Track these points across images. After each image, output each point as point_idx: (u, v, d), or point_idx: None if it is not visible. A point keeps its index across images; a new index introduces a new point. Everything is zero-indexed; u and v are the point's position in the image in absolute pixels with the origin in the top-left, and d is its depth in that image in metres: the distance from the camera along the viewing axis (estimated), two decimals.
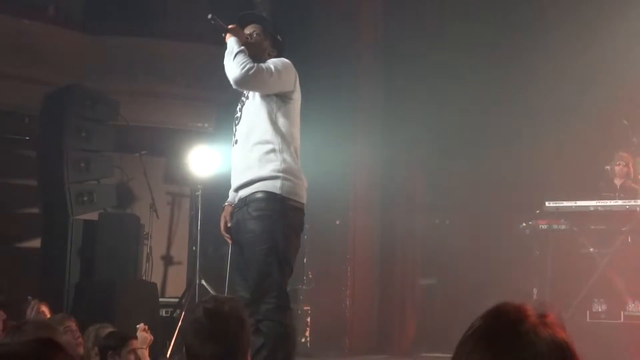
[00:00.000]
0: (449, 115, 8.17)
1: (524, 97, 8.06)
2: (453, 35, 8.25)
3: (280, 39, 4.46)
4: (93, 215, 7.82)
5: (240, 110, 4.31)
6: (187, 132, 9.21)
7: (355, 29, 8.57)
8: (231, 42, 4.20)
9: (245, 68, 4.06)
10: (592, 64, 7.76)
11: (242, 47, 4.16)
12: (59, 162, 7.68)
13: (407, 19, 8.50)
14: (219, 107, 8.97)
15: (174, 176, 9.26)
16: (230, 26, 4.28)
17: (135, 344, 4.08)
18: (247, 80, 4.09)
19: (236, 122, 4.31)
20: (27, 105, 8.32)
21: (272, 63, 4.18)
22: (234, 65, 4.09)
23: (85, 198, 7.70)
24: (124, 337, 4.10)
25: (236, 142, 4.25)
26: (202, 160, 8.15)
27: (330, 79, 7.82)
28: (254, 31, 4.38)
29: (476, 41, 8.10)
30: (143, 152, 8.64)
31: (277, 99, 4.18)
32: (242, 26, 4.40)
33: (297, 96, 4.27)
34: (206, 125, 9.35)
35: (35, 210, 8.54)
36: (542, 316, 1.36)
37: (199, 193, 8.07)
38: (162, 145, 9.24)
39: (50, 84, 8.27)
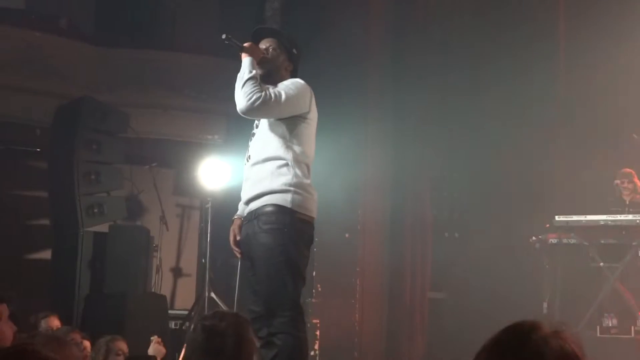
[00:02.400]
0: (458, 129, 8.17)
1: (534, 112, 8.04)
2: (464, 49, 8.24)
3: (296, 52, 4.44)
4: (103, 227, 7.84)
5: (257, 126, 4.30)
6: (197, 144, 9.24)
7: (365, 43, 8.58)
8: (244, 65, 4.16)
9: (252, 99, 4.02)
10: (603, 78, 7.76)
11: (253, 73, 4.11)
12: (70, 174, 7.71)
13: (417, 32, 8.51)
14: (228, 119, 9.00)
15: (184, 188, 9.29)
16: (245, 44, 4.25)
17: None
18: (252, 111, 4.07)
19: (251, 138, 4.32)
20: (38, 117, 8.38)
21: (283, 88, 4.14)
22: (241, 94, 4.06)
23: (96, 210, 7.72)
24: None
25: (249, 157, 4.25)
26: (212, 173, 8.17)
27: (340, 93, 7.83)
28: (269, 45, 4.34)
29: (488, 56, 8.10)
30: (153, 164, 8.67)
31: (291, 119, 4.18)
32: (257, 40, 4.39)
33: (313, 116, 4.26)
34: (216, 137, 9.38)
35: (45, 221, 8.57)
36: (556, 330, 1.36)
37: (208, 205, 8.09)
38: (172, 158, 9.28)
39: (62, 96, 8.32)
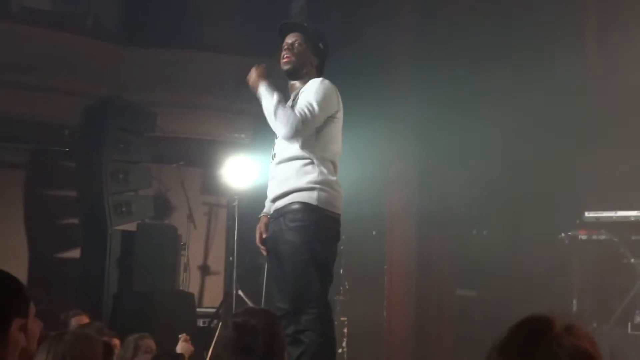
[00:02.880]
0: (485, 124, 8.10)
1: (563, 105, 7.96)
2: (491, 44, 8.18)
3: (322, 47, 4.41)
4: (131, 226, 7.89)
5: None
6: (224, 143, 9.26)
7: (390, 37, 8.56)
8: (263, 93, 4.11)
9: (291, 124, 4.01)
10: (635, 67, 7.66)
11: (276, 97, 4.08)
12: (98, 173, 7.77)
13: (443, 27, 8.46)
14: (255, 118, 8.99)
15: (211, 187, 9.31)
16: (253, 71, 4.22)
17: None
18: (297, 134, 4.06)
19: (276, 135, 4.30)
20: (67, 117, 8.43)
21: (313, 97, 4.09)
22: (278, 124, 4.05)
23: (124, 209, 7.77)
24: (177, 358, 4.09)
25: (274, 156, 4.25)
26: (239, 171, 8.18)
27: (364, 87, 7.80)
28: (295, 40, 4.30)
29: (514, 49, 8.03)
30: (180, 162, 8.70)
31: None
32: (284, 35, 4.37)
33: (340, 114, 4.25)
34: (243, 136, 9.40)
35: (74, 220, 8.64)
36: (569, 327, 1.34)
37: (235, 204, 8.10)
38: (200, 156, 9.30)
39: (90, 96, 8.37)
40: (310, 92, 4.14)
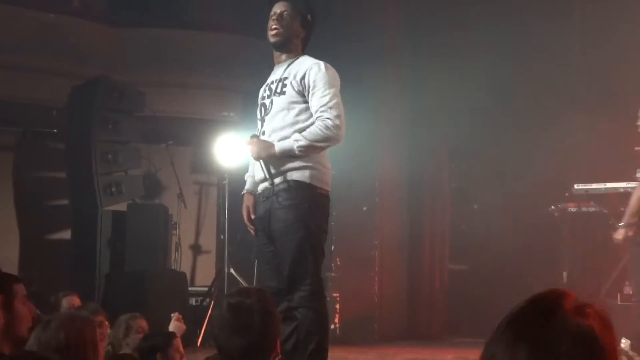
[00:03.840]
0: (475, 99, 8.11)
1: (552, 80, 7.98)
2: (479, 22, 8.17)
3: (310, 19, 4.35)
4: (122, 206, 7.88)
5: (270, 99, 4.24)
6: (214, 121, 9.23)
7: (382, 15, 8.54)
8: (286, 151, 4.02)
9: (334, 133, 3.99)
10: (623, 45, 7.67)
11: (296, 136, 4.01)
12: (87, 154, 7.75)
13: (435, 9, 8.43)
14: (244, 96, 8.97)
15: (201, 166, 9.30)
16: (253, 153, 4.14)
17: (178, 342, 4.09)
18: (340, 131, 4.02)
19: (262, 110, 4.25)
20: (54, 98, 8.39)
21: (328, 89, 4.04)
22: (329, 143, 4.03)
23: (114, 189, 7.77)
24: (169, 336, 4.09)
25: (263, 133, 4.21)
26: (229, 150, 8.16)
27: (357, 67, 7.78)
28: (284, 10, 4.23)
29: (504, 27, 8.02)
30: (170, 142, 8.68)
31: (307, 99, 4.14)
32: (271, 4, 4.33)
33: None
34: (232, 114, 9.37)
35: (64, 202, 8.63)
36: (581, 306, 1.33)
37: (225, 182, 8.09)
38: (189, 135, 9.28)
39: (77, 76, 8.33)
40: (323, 84, 4.07)
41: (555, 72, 8.02)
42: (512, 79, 7.98)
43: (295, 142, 4.00)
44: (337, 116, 4.01)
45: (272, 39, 4.23)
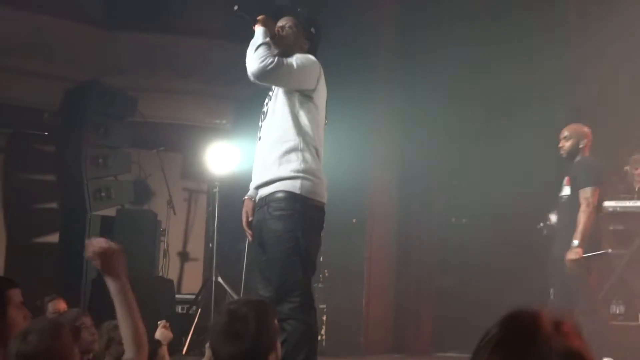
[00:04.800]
0: (466, 114, 8.13)
1: (542, 98, 8.00)
2: (474, 35, 8.19)
3: (314, 32, 4.41)
4: (111, 211, 7.85)
5: (267, 105, 4.29)
6: (205, 128, 9.23)
7: (375, 24, 8.54)
8: (258, 32, 4.15)
9: (264, 62, 4.03)
10: (611, 64, 7.72)
11: (267, 40, 4.12)
12: (78, 158, 7.73)
13: (428, 16, 8.46)
14: (236, 103, 8.98)
15: (191, 172, 9.29)
16: (259, 17, 4.24)
17: (164, 350, 4.05)
18: (264, 75, 4.08)
19: (262, 117, 4.30)
20: (46, 101, 8.37)
21: (294, 59, 4.14)
22: (254, 58, 4.07)
23: (103, 194, 7.74)
24: (155, 344, 4.04)
25: (260, 138, 4.25)
26: (220, 157, 8.16)
27: (349, 76, 7.79)
28: (286, 24, 4.32)
29: (496, 42, 8.05)
30: (161, 148, 8.67)
31: (300, 97, 4.16)
32: (275, 19, 4.36)
33: (320, 96, 4.24)
34: (224, 121, 9.36)
35: (53, 205, 8.59)
36: (558, 324, 1.33)
37: (216, 190, 8.08)
38: (180, 142, 9.27)
39: (69, 80, 8.31)
40: (295, 56, 4.18)
41: (546, 90, 8.04)
42: (504, 96, 7.99)
43: (258, 33, 4.11)
44: (277, 68, 4.04)
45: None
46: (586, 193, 5.89)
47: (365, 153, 8.24)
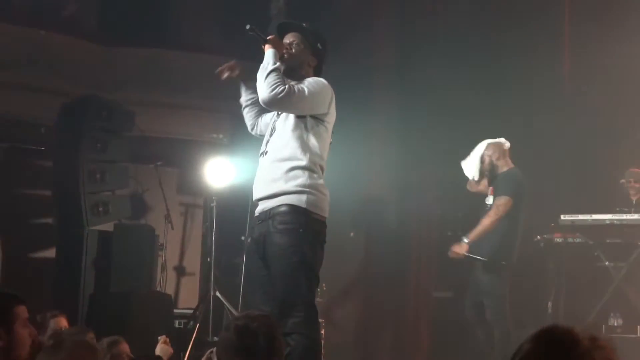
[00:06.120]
0: (463, 128, 8.14)
1: (539, 111, 8.03)
2: (471, 48, 8.23)
3: (321, 47, 4.42)
4: (108, 226, 7.84)
5: (275, 121, 4.29)
6: (202, 143, 9.23)
7: (372, 38, 8.58)
8: (267, 56, 4.15)
9: (275, 91, 4.03)
10: (605, 79, 7.76)
11: (277, 65, 4.11)
12: (75, 172, 7.71)
13: (423, 30, 8.49)
14: (233, 118, 8.96)
15: (188, 187, 9.28)
16: (269, 37, 4.24)
17: None
18: (276, 103, 4.09)
19: (270, 132, 4.31)
20: (43, 115, 8.36)
21: (306, 84, 4.15)
22: (264, 85, 4.07)
23: (101, 209, 7.72)
24: None
25: (266, 153, 4.25)
26: (217, 172, 8.16)
27: (346, 90, 7.80)
28: (293, 41, 4.34)
29: (494, 54, 8.10)
30: (158, 162, 8.66)
31: (310, 119, 4.18)
32: (281, 35, 4.37)
33: (331, 119, 4.26)
34: (221, 136, 9.37)
35: (49, 220, 8.57)
36: (594, 339, 1.34)
37: (213, 204, 8.08)
38: (177, 156, 9.26)
39: (67, 94, 8.31)
40: (307, 81, 4.19)
41: (543, 104, 8.07)
42: (501, 109, 8.01)
43: (268, 58, 4.13)
44: (289, 96, 4.04)
45: (281, 65, 4.31)
46: (499, 201, 6.39)
47: (363, 167, 8.25)
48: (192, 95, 9.08)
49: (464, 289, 8.29)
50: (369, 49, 8.57)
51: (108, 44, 8.89)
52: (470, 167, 6.82)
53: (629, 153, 7.73)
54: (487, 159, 6.68)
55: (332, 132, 4.34)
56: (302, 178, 4.09)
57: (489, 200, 6.60)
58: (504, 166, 6.67)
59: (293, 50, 4.29)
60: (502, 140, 6.79)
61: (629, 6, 7.78)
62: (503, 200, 6.42)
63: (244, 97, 4.54)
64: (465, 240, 6.39)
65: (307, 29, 4.41)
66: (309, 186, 4.07)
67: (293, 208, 4.04)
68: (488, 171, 6.66)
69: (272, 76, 4.07)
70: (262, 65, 4.15)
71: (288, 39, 4.33)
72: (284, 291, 4.02)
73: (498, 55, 8.08)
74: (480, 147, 6.80)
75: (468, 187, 7.02)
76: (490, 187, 6.63)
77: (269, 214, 4.10)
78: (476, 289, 6.70)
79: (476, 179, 6.83)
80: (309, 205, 4.05)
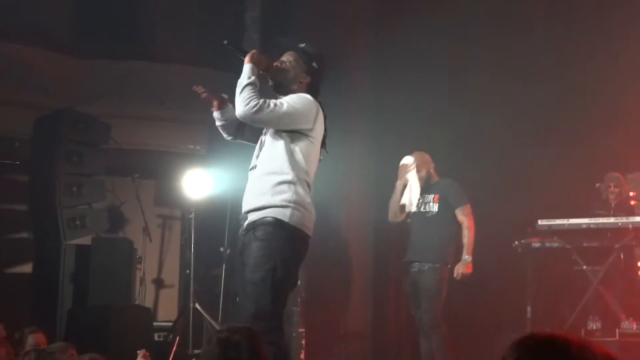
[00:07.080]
0: (441, 133, 8.18)
1: (516, 117, 8.08)
2: (449, 52, 8.27)
3: (317, 66, 4.43)
4: (86, 240, 7.78)
5: (265, 135, 4.32)
6: (179, 154, 9.20)
7: (348, 48, 8.58)
8: (244, 71, 4.17)
9: (249, 105, 4.05)
10: (585, 83, 7.83)
11: (252, 79, 4.13)
12: (51, 186, 7.66)
13: (401, 34, 8.51)
14: (210, 129, 8.94)
15: (165, 199, 9.25)
16: (252, 52, 4.25)
17: None
18: (250, 117, 4.10)
19: (259, 146, 4.33)
20: (18, 129, 8.31)
21: (287, 99, 4.16)
22: (239, 100, 4.09)
23: (78, 222, 7.68)
24: None
25: (255, 167, 4.27)
26: (194, 183, 8.14)
27: (321, 96, 7.83)
28: (288, 58, 4.38)
29: (473, 58, 8.14)
30: (135, 175, 8.62)
31: (297, 134, 4.19)
32: (280, 53, 4.41)
33: (316, 134, 4.27)
34: (198, 147, 9.35)
35: (25, 235, 8.50)
36: (585, 340, 1.35)
37: (192, 216, 8.05)
38: (154, 168, 9.23)
39: (42, 108, 8.26)
40: (289, 97, 4.21)
41: (520, 109, 8.12)
42: (478, 115, 8.06)
43: (245, 73, 4.13)
44: (263, 110, 4.05)
45: (270, 80, 4.32)
46: (465, 210, 6.66)
47: (341, 177, 8.25)
48: (168, 106, 9.06)
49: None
50: (344, 55, 8.57)
51: (83, 57, 8.85)
52: (409, 194, 6.90)
53: (604, 157, 7.79)
54: (424, 170, 6.84)
55: (326, 149, 4.38)
56: (288, 193, 4.11)
57: (434, 207, 6.71)
58: (435, 175, 6.83)
59: (283, 65, 4.31)
60: (417, 152, 6.91)
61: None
62: (469, 208, 6.69)
63: (216, 115, 4.53)
64: (468, 257, 6.54)
65: (303, 48, 4.43)
66: (294, 202, 4.10)
67: (277, 221, 4.07)
68: (425, 180, 6.81)
69: (247, 90, 4.09)
70: (238, 81, 4.17)
71: (284, 57, 4.39)
72: (250, 298, 4.05)
73: (475, 53, 8.14)
74: (409, 163, 6.87)
75: (392, 218, 7.05)
76: (434, 195, 6.71)
77: (252, 225, 4.14)
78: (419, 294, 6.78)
79: (414, 202, 6.89)
80: (293, 221, 4.07)
